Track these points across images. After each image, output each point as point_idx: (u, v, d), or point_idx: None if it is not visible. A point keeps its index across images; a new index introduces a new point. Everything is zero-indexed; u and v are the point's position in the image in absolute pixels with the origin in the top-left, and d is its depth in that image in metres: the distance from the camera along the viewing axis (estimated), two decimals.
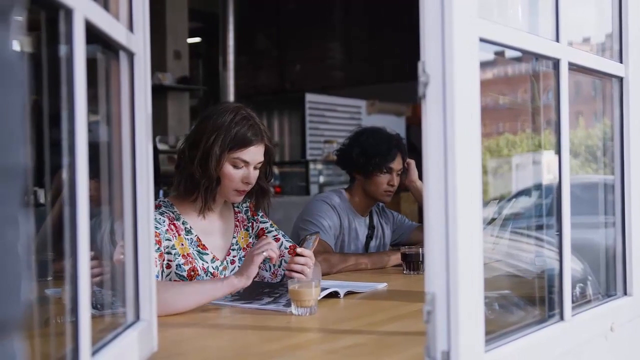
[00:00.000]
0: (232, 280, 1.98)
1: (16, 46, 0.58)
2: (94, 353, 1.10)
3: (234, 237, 2.34)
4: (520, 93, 2.11)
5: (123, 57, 1.35)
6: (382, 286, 2.36)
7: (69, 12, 1.00)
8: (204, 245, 2.24)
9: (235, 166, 2.19)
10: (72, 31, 1.01)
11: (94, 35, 1.12)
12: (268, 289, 2.13)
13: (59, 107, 1.04)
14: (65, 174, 1.04)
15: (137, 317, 1.38)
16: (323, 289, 2.04)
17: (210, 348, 1.63)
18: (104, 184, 1.38)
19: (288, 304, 1.92)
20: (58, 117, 1.04)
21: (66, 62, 1.02)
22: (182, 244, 2.18)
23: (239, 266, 2.29)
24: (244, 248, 2.35)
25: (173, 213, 2.22)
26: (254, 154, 2.20)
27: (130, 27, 1.36)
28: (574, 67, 1.58)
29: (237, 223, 2.38)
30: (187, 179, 2.20)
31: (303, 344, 1.64)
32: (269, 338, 1.68)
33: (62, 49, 1.02)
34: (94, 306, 1.26)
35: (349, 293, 2.19)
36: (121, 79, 1.36)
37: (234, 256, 2.32)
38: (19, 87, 0.57)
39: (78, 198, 1.02)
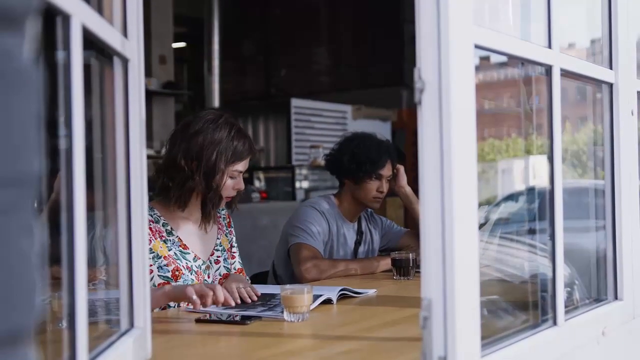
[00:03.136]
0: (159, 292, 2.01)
1: (31, 54, 0.58)
2: None
3: (218, 239, 2.44)
4: (506, 98, 2.12)
5: (117, 63, 1.34)
6: (372, 292, 2.36)
7: (66, 18, 0.99)
8: (185, 245, 2.31)
9: (232, 177, 2.31)
10: (69, 37, 1.00)
11: (88, 41, 1.11)
12: (261, 301, 2.13)
13: (55, 113, 1.03)
14: (61, 180, 1.03)
15: (132, 325, 1.37)
16: (316, 297, 2.04)
17: (204, 355, 1.62)
18: (97, 190, 1.37)
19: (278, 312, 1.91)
20: (54, 123, 1.03)
21: (63, 67, 1.01)
22: (162, 247, 2.24)
23: (224, 266, 2.41)
24: (227, 249, 2.46)
25: (152, 216, 2.27)
26: (247, 163, 2.35)
27: (125, 33, 1.35)
28: (564, 73, 1.60)
29: (220, 226, 2.47)
30: (188, 192, 2.27)
31: (297, 350, 1.64)
32: (262, 345, 1.67)
33: (59, 55, 1.02)
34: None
35: (342, 296, 2.20)
36: (115, 85, 1.35)
37: (218, 256, 2.41)
38: (34, 95, 0.56)
39: (75, 204, 1.01)
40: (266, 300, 2.14)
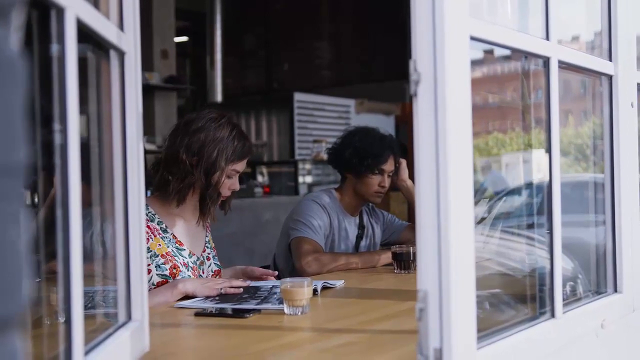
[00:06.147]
0: (178, 287, 2.12)
1: (16, 45, 0.58)
2: (87, 353, 1.10)
3: (207, 237, 2.49)
4: (510, 92, 2.12)
5: (113, 56, 1.34)
6: (339, 283, 2.39)
7: (60, 11, 0.99)
8: (180, 241, 2.34)
9: (229, 176, 2.34)
10: (63, 30, 1.00)
11: (84, 34, 1.11)
12: (247, 295, 2.13)
13: (50, 107, 1.03)
14: (55, 175, 1.03)
15: (129, 317, 1.37)
16: None
17: (202, 348, 1.62)
18: (94, 184, 1.37)
19: (281, 302, 1.91)
20: (49, 118, 1.03)
21: (58, 61, 1.01)
22: (160, 245, 2.27)
23: (214, 263, 2.46)
24: (213, 248, 2.51)
25: (147, 215, 2.28)
26: (245, 164, 2.39)
27: (121, 26, 1.35)
28: (563, 65, 1.59)
29: (208, 224, 2.51)
30: (187, 187, 2.29)
31: (296, 343, 1.64)
32: (261, 338, 1.67)
33: (53, 48, 1.02)
34: (85, 306, 1.25)
35: (324, 288, 2.25)
36: (112, 79, 1.35)
37: (208, 253, 2.46)
38: (20, 86, 0.57)
39: (70, 199, 1.01)
40: (253, 293, 2.15)
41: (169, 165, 2.29)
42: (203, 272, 2.38)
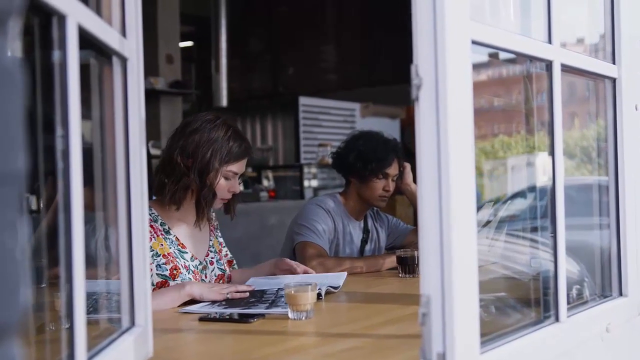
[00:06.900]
0: (185, 289, 2.11)
1: (14, 53, 0.58)
2: (90, 358, 1.10)
3: (210, 240, 2.48)
4: (515, 95, 2.11)
5: (116, 62, 1.34)
6: (343, 277, 2.42)
7: (62, 18, 1.00)
8: (183, 244, 2.34)
9: (226, 178, 2.33)
10: (65, 37, 1.01)
11: (86, 40, 1.12)
12: (254, 299, 2.13)
13: (52, 113, 1.04)
14: (59, 180, 1.03)
15: (133, 323, 1.37)
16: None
17: (206, 353, 1.62)
18: (98, 190, 1.38)
19: (287, 306, 1.91)
20: (51, 123, 1.04)
21: (59, 67, 1.01)
22: (162, 245, 2.28)
23: (217, 267, 2.45)
24: (218, 251, 2.50)
25: (150, 215, 2.29)
26: (243, 165, 2.37)
27: (123, 33, 1.36)
28: (566, 69, 1.59)
29: (212, 228, 2.51)
30: (182, 189, 2.29)
31: (300, 347, 1.64)
32: (265, 342, 1.67)
33: (55, 55, 1.02)
34: (87, 311, 1.25)
35: (328, 293, 2.24)
36: (114, 85, 1.36)
37: (212, 257, 2.46)
38: (18, 94, 0.57)
39: (72, 204, 1.02)
40: (260, 297, 2.15)
41: (165, 169, 2.30)
42: (206, 277, 2.38)
